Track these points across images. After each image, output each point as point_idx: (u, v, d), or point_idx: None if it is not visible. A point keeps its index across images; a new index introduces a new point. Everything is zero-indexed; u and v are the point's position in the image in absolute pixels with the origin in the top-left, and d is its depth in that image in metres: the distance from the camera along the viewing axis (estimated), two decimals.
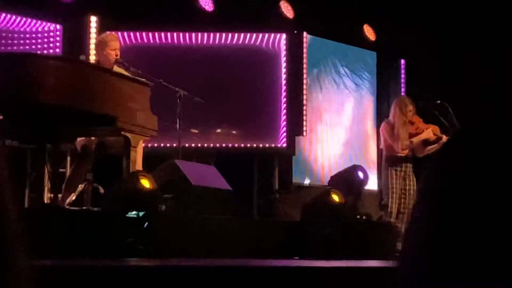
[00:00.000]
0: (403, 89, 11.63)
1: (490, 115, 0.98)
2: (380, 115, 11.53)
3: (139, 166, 6.89)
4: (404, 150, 8.56)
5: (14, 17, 9.23)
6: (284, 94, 10.43)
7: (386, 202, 8.61)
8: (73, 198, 7.19)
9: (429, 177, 0.93)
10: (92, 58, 8.16)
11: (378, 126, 11.06)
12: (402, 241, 0.97)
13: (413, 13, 10.99)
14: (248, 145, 10.23)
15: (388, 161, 8.67)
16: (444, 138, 8.56)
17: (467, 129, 0.95)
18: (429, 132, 8.60)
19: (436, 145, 8.55)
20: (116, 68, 7.40)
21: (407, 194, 8.56)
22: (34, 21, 9.35)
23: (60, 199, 6.88)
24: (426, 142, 8.65)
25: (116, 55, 7.32)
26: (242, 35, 10.40)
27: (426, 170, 0.95)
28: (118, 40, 7.59)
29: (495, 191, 0.85)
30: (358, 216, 8.07)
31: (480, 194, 0.86)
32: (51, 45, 9.37)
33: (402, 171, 8.56)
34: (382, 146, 8.87)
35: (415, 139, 8.56)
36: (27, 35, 9.38)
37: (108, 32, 7.86)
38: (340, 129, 11.34)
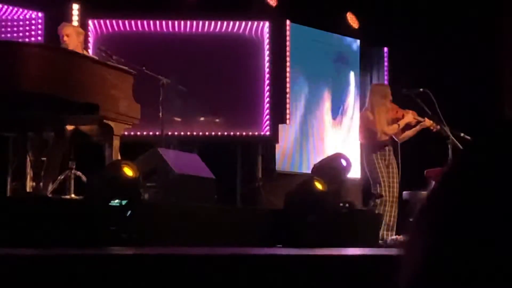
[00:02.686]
0: (386, 77, 11.65)
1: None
2: (363, 101, 11.55)
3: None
4: (387, 135, 8.54)
5: None
6: (267, 82, 10.42)
7: (377, 191, 8.56)
8: (55, 186, 7.18)
9: (439, 186, 0.91)
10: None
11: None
12: (403, 250, 0.95)
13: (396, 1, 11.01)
14: (231, 133, 10.23)
15: (370, 148, 8.66)
16: (427, 121, 8.60)
17: (482, 138, 0.92)
18: (411, 115, 8.64)
19: (415, 128, 8.65)
20: (85, 52, 7.53)
21: (391, 181, 8.57)
22: (16, 8, 9.28)
23: (41, 187, 6.86)
24: (405, 127, 8.74)
25: (64, 41, 7.32)
26: (225, 23, 10.38)
27: (437, 181, 0.93)
28: (66, 26, 7.63)
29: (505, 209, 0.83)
30: (341, 204, 8.07)
31: (491, 211, 0.84)
32: (32, 33, 9.30)
33: (386, 159, 8.57)
34: (360, 135, 8.85)
35: (401, 122, 8.59)
36: (8, 23, 9.32)
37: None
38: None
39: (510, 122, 0.92)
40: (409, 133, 8.73)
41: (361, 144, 9.14)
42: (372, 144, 8.61)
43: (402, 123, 8.60)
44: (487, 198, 0.84)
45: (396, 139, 8.74)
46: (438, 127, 8.45)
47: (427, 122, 8.59)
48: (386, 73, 11.65)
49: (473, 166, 0.88)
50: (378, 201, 8.41)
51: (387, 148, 8.60)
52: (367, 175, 8.95)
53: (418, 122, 8.65)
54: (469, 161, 0.89)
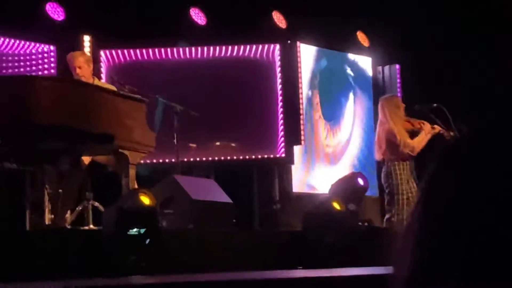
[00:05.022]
0: (399, 95, 11.61)
1: (486, 117, 0.97)
2: (377, 119, 11.53)
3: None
4: (410, 147, 8.11)
5: (7, 40, 9.23)
6: (280, 104, 10.43)
7: (391, 208, 8.23)
8: (74, 217, 7.20)
9: (431, 178, 0.91)
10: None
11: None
12: (398, 245, 0.94)
13: (406, 18, 11.01)
14: (247, 156, 10.22)
15: (391, 161, 8.18)
16: (437, 127, 8.33)
17: (471, 131, 0.93)
18: (429, 126, 8.32)
19: (426, 137, 8.33)
20: (97, 82, 7.59)
21: (411, 198, 8.14)
22: (28, 43, 9.35)
23: (60, 219, 6.88)
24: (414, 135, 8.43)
25: (77, 73, 7.37)
26: (235, 47, 10.41)
27: (428, 172, 0.94)
28: (77, 57, 7.61)
29: (499, 196, 0.83)
30: (360, 223, 8.03)
31: (484, 198, 0.84)
32: (45, 66, 9.36)
33: (407, 174, 8.14)
34: (380, 151, 8.35)
35: (424, 134, 8.26)
36: (21, 58, 9.38)
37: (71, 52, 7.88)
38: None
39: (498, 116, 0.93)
40: (422, 143, 8.39)
41: (381, 161, 8.65)
42: (393, 157, 8.21)
43: (425, 134, 8.25)
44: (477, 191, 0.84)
45: (411, 153, 8.35)
46: (452, 133, 8.16)
47: (437, 129, 8.33)
48: (399, 90, 11.63)
49: (459, 161, 0.89)
50: (394, 219, 8.10)
51: (407, 162, 8.23)
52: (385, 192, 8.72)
53: (432, 130, 8.35)
54: (457, 155, 0.90)
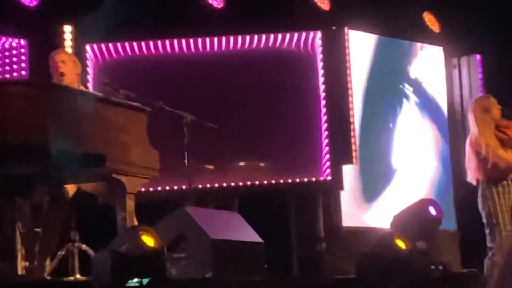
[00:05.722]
0: (480, 93, 11.59)
1: None
2: (453, 125, 11.53)
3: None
4: (506, 162, 8.05)
5: None
6: (324, 110, 10.39)
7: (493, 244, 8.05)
8: (55, 265, 7.23)
9: None
10: None
11: (453, 139, 11.08)
12: None
13: None
14: (281, 180, 10.22)
15: (485, 182, 8.12)
16: None
17: None
18: None
19: None
20: (83, 89, 7.70)
21: None
22: None
23: (36, 267, 6.90)
24: None
25: (59, 67, 7.45)
26: (263, 36, 10.41)
27: None
28: (61, 52, 7.80)
29: None
30: (433, 267, 8.01)
31: None
32: (14, 66, 9.42)
33: (508, 198, 8.03)
34: (472, 170, 8.25)
35: None
36: None
37: None
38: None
39: None
40: None
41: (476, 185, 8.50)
42: (486, 176, 8.15)
43: None
44: None
45: None
46: None
47: None
48: (480, 88, 11.61)
49: None
50: (496, 258, 7.95)
51: (508, 182, 8.11)
52: (467, 224, 8.68)
53: None
54: None
